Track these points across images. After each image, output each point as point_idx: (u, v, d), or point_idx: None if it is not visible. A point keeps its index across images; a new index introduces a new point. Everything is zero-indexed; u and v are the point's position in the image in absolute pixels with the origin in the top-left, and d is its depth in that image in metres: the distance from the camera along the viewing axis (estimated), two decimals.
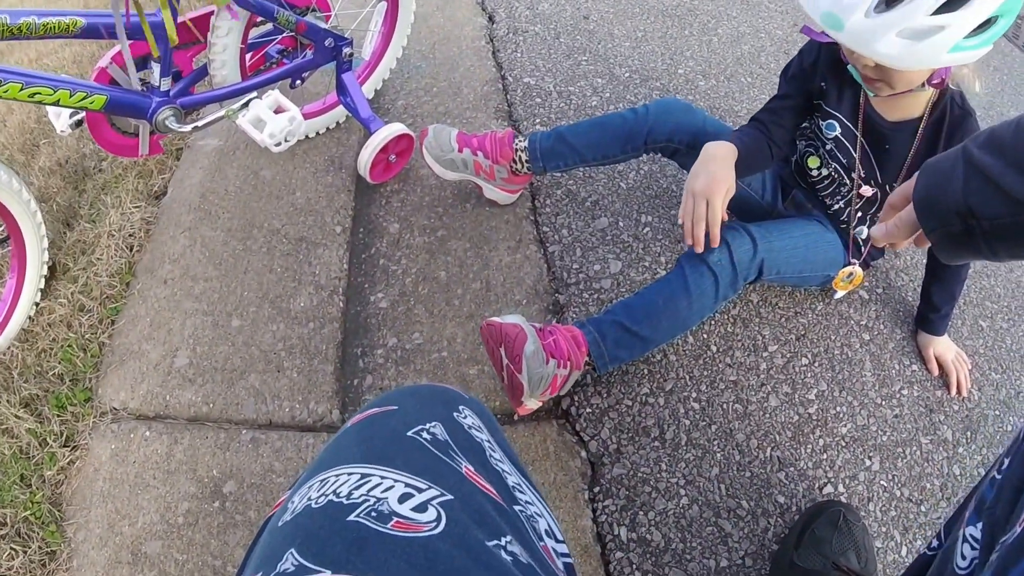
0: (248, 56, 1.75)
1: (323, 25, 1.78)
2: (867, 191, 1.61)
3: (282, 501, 0.64)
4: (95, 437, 1.49)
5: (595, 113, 2.27)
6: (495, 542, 0.57)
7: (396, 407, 0.70)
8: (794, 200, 1.78)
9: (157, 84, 1.57)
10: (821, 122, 1.61)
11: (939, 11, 1.21)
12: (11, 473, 1.42)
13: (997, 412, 1.70)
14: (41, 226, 1.58)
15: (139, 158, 1.77)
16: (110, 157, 2.03)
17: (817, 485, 1.52)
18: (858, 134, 1.56)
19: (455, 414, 0.73)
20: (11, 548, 1.33)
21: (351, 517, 0.55)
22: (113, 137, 1.66)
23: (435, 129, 1.83)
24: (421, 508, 0.57)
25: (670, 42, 2.62)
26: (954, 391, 1.70)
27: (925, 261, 1.74)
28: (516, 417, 1.56)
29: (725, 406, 1.62)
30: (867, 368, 1.71)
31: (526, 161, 1.81)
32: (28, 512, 1.38)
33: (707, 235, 1.50)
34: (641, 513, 1.45)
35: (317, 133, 2.10)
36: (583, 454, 1.53)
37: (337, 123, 2.13)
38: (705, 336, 1.73)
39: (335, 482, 0.59)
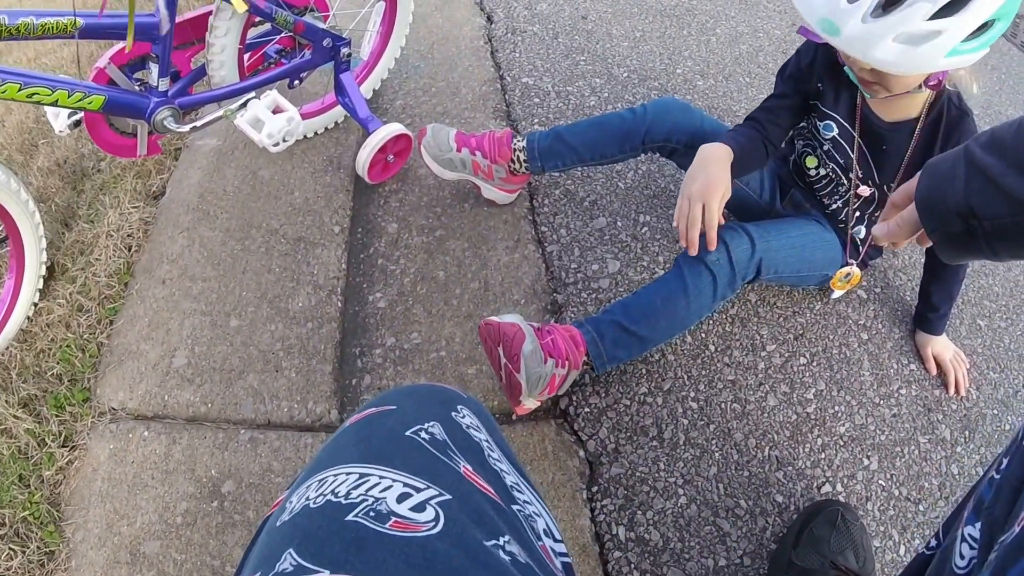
0: (246, 56, 1.75)
1: (321, 25, 1.78)
2: (865, 191, 1.62)
3: (280, 501, 0.64)
4: (93, 437, 1.49)
5: (593, 113, 2.27)
6: (493, 542, 0.57)
7: (394, 407, 0.70)
8: (792, 200, 1.78)
9: (155, 84, 1.57)
10: (819, 123, 1.62)
11: (936, 16, 1.21)
12: (10, 473, 1.42)
13: (995, 411, 1.70)
14: (39, 226, 1.58)
15: (137, 158, 1.77)
16: (108, 157, 2.03)
17: (815, 484, 1.52)
18: (855, 135, 1.56)
19: (453, 414, 0.73)
20: (9, 548, 1.33)
21: (349, 517, 0.55)
22: (111, 137, 1.65)
23: (433, 128, 1.84)
24: (419, 508, 0.57)
25: (668, 42, 2.62)
26: (952, 390, 1.70)
27: (923, 260, 1.74)
28: (514, 417, 1.56)
29: (723, 405, 1.62)
30: (865, 367, 1.72)
31: (524, 161, 1.81)
32: (27, 512, 1.38)
33: (703, 237, 1.50)
34: (639, 512, 1.46)
35: (315, 133, 2.10)
36: (581, 454, 1.53)
37: (335, 123, 2.13)
38: (703, 335, 1.73)
39: (333, 482, 0.59)
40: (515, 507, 0.67)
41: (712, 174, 1.47)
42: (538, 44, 2.55)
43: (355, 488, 0.58)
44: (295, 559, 0.52)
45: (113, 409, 1.53)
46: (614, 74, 2.44)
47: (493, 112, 2.26)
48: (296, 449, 1.49)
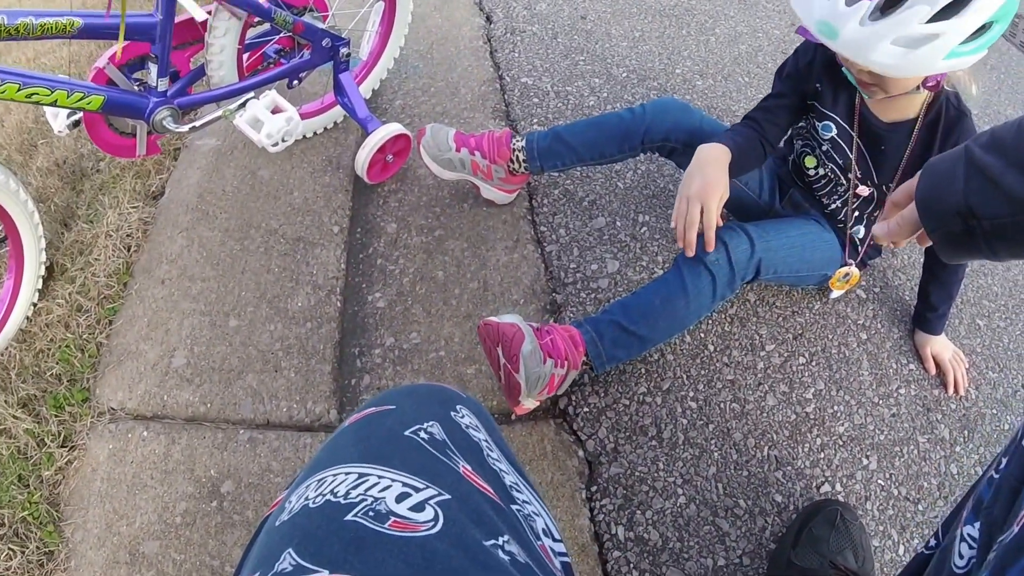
0: (245, 56, 1.75)
1: (320, 25, 1.78)
2: (863, 191, 1.62)
3: (279, 501, 0.64)
4: (93, 437, 1.49)
5: (592, 113, 2.27)
6: (492, 541, 0.57)
7: (393, 407, 0.70)
8: (791, 199, 1.78)
9: (154, 84, 1.57)
10: (817, 123, 1.62)
11: (934, 19, 1.21)
12: (9, 473, 1.42)
13: (994, 411, 1.70)
14: (39, 226, 1.58)
15: (136, 158, 1.77)
16: (108, 157, 2.03)
17: (814, 484, 1.53)
18: (854, 135, 1.56)
19: (452, 413, 0.73)
20: (9, 548, 1.33)
21: (349, 517, 0.55)
22: (111, 137, 1.65)
23: (432, 128, 1.84)
24: (418, 508, 0.57)
25: (667, 42, 2.62)
26: (951, 390, 1.70)
27: (922, 260, 1.74)
28: (513, 417, 1.56)
29: (722, 405, 1.62)
30: (864, 367, 1.72)
31: (523, 161, 1.81)
32: (26, 512, 1.38)
33: (701, 238, 1.50)
34: (638, 512, 1.46)
35: (315, 133, 2.10)
36: (580, 453, 1.53)
37: (335, 123, 2.13)
38: (702, 335, 1.73)
39: (332, 482, 0.59)
40: (514, 507, 0.67)
41: (710, 175, 1.47)
42: (537, 44, 2.55)
43: (354, 488, 0.58)
44: (294, 559, 0.52)
45: (112, 409, 1.53)
46: (613, 74, 2.44)
47: (492, 112, 2.27)
48: (295, 449, 1.49)
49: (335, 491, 0.58)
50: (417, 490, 0.59)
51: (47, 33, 1.33)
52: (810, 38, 1.38)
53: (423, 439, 0.66)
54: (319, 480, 0.60)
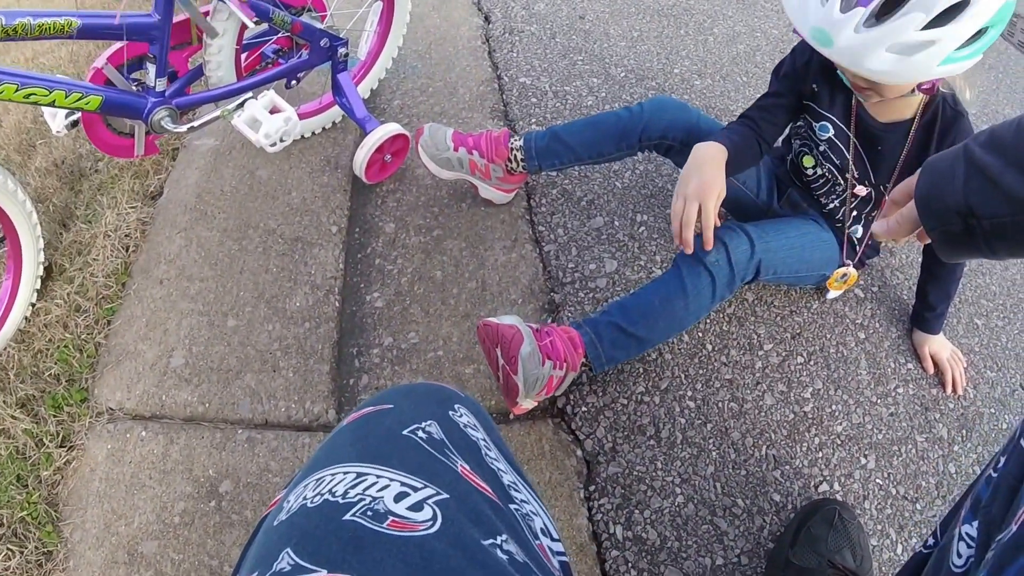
0: (244, 56, 1.75)
1: (319, 25, 1.78)
2: (861, 191, 1.62)
3: (277, 500, 0.64)
4: (91, 437, 1.49)
5: (591, 113, 2.27)
6: (491, 541, 0.57)
7: (391, 406, 0.70)
8: (789, 199, 1.78)
9: (153, 84, 1.57)
10: (814, 124, 1.62)
11: (930, 26, 1.21)
12: (8, 474, 1.42)
13: (992, 410, 1.70)
14: (37, 227, 1.58)
15: (135, 158, 1.77)
16: (106, 158, 2.03)
17: (813, 483, 1.53)
18: (851, 135, 1.56)
19: (450, 413, 0.73)
20: (7, 548, 1.33)
21: (347, 516, 0.55)
22: (109, 137, 1.65)
23: (431, 128, 1.84)
24: (417, 507, 0.57)
25: (666, 42, 2.62)
26: (949, 389, 1.70)
27: (920, 260, 1.74)
28: (512, 416, 1.56)
29: (721, 404, 1.62)
30: (862, 366, 1.72)
31: (521, 160, 1.81)
32: (25, 512, 1.38)
33: (699, 238, 1.50)
34: (637, 512, 1.46)
35: (313, 133, 2.10)
36: (579, 453, 1.53)
37: (333, 123, 2.13)
38: (700, 335, 1.73)
39: (331, 481, 0.59)
40: (512, 506, 0.67)
41: (707, 174, 1.47)
42: (536, 44, 2.56)
43: (352, 487, 0.58)
44: (292, 558, 0.52)
45: (111, 409, 1.53)
46: (611, 74, 2.44)
47: (490, 112, 2.27)
48: (294, 449, 1.49)
49: (333, 491, 0.58)
50: (415, 489, 0.59)
51: (45, 33, 1.33)
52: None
53: (421, 438, 0.66)
54: (317, 480, 0.60)
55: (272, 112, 1.68)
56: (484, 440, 0.73)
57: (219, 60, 1.66)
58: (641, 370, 1.65)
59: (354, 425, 0.68)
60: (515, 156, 1.81)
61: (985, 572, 0.69)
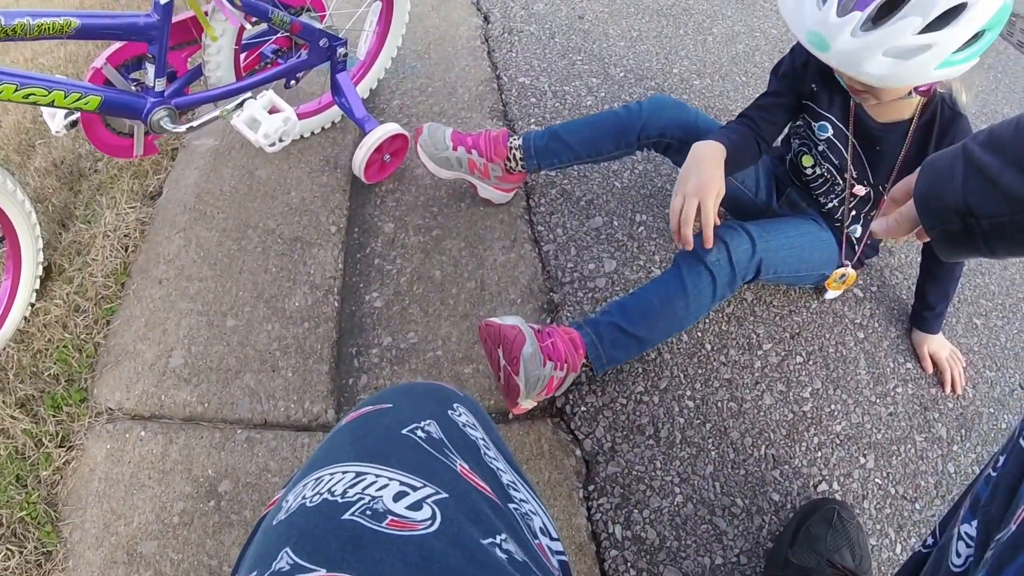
0: (243, 56, 1.75)
1: (318, 25, 1.78)
2: (860, 191, 1.62)
3: (276, 500, 0.64)
4: (90, 437, 1.49)
5: (590, 113, 2.26)
6: (490, 540, 0.57)
7: (390, 405, 0.70)
8: (788, 199, 1.78)
9: (152, 85, 1.57)
10: (814, 123, 1.62)
11: (927, 29, 1.21)
12: (7, 474, 1.42)
13: (992, 410, 1.70)
14: (36, 227, 1.58)
15: (134, 159, 1.77)
16: (105, 158, 2.03)
17: (812, 483, 1.53)
18: (849, 135, 1.56)
19: (449, 412, 0.73)
20: (7, 549, 1.33)
21: (346, 516, 0.55)
22: (108, 138, 1.65)
23: (430, 127, 1.84)
24: (416, 506, 0.57)
25: (665, 41, 2.62)
26: (948, 389, 1.70)
27: (919, 259, 1.74)
28: (511, 416, 1.56)
29: (719, 404, 1.62)
30: (861, 366, 1.72)
31: (520, 159, 1.81)
32: (24, 512, 1.38)
33: (698, 237, 1.50)
34: (636, 511, 1.46)
35: (312, 133, 2.10)
36: (578, 452, 1.53)
37: (332, 123, 2.13)
38: (699, 334, 1.73)
39: (329, 481, 0.59)
40: (511, 505, 0.67)
41: (706, 172, 1.47)
42: (535, 44, 2.56)
43: (351, 487, 0.58)
44: (291, 558, 0.52)
45: (110, 409, 1.53)
46: (611, 74, 2.44)
47: (489, 112, 2.27)
48: (293, 449, 1.49)
49: (332, 490, 0.58)
50: (414, 489, 0.59)
51: (44, 34, 1.33)
52: None
53: (420, 438, 0.66)
54: (316, 479, 0.60)
55: (271, 112, 1.68)
56: (483, 439, 0.73)
57: (218, 60, 1.66)
58: (640, 370, 1.65)
59: (353, 424, 0.68)
60: (514, 155, 1.81)
61: (984, 571, 0.70)
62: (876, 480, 1.54)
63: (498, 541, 0.58)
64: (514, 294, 1.77)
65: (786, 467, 1.54)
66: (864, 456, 1.57)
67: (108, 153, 1.68)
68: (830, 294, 1.80)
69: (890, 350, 1.76)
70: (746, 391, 1.64)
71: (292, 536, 0.54)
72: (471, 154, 1.81)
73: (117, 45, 1.55)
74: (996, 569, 0.67)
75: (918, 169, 0.83)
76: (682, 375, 1.66)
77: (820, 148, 1.63)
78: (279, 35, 1.80)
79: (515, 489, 0.71)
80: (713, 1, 2.89)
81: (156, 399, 1.54)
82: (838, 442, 1.59)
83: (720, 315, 1.77)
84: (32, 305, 1.65)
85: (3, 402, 1.51)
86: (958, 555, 0.82)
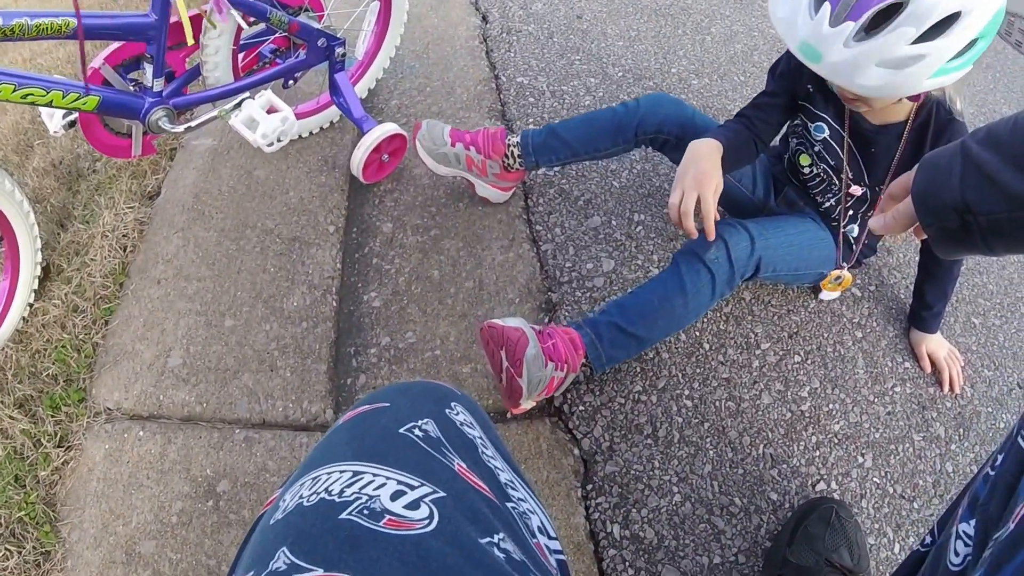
0: (241, 56, 1.75)
1: (316, 25, 1.78)
2: (857, 190, 1.62)
3: (273, 499, 0.64)
4: (89, 437, 1.49)
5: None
6: (488, 539, 0.57)
7: (387, 404, 0.70)
8: (786, 197, 1.78)
9: (150, 85, 1.57)
10: (810, 124, 1.62)
11: (920, 39, 1.20)
12: (5, 474, 1.42)
13: (990, 409, 1.70)
14: (35, 227, 1.58)
15: (132, 159, 1.77)
16: (104, 158, 2.03)
17: (810, 482, 1.53)
18: (845, 136, 1.56)
19: (447, 411, 0.73)
20: (5, 548, 1.33)
21: (343, 515, 0.55)
22: (106, 138, 1.65)
23: (429, 123, 1.84)
24: (413, 505, 0.57)
25: (663, 41, 2.62)
26: (947, 388, 1.71)
27: (918, 259, 1.74)
28: (509, 416, 1.57)
29: (718, 403, 1.62)
30: (860, 365, 1.72)
31: (518, 156, 1.81)
32: (22, 512, 1.38)
33: (701, 232, 1.50)
34: (634, 510, 1.46)
35: (310, 133, 2.10)
36: (576, 452, 1.53)
37: (331, 123, 2.13)
38: (697, 334, 1.73)
39: (327, 480, 0.59)
40: (509, 504, 0.67)
41: (703, 167, 1.47)
42: (533, 44, 2.56)
43: (349, 486, 0.58)
44: (289, 557, 0.52)
45: (108, 409, 1.53)
46: (609, 73, 2.44)
47: (488, 112, 2.27)
48: (291, 448, 1.49)
49: (329, 489, 0.57)
50: (412, 488, 0.59)
51: (43, 34, 1.33)
52: None
53: (418, 436, 0.66)
54: (313, 478, 0.60)
55: (269, 112, 1.68)
56: (481, 438, 0.73)
57: (216, 60, 1.66)
58: (638, 369, 1.65)
59: (350, 424, 0.68)
60: (512, 152, 1.81)
61: (983, 570, 0.70)
62: (874, 479, 1.55)
63: (496, 540, 0.58)
64: (512, 294, 1.77)
65: (784, 466, 1.54)
66: (862, 455, 1.58)
67: (106, 153, 1.68)
68: (825, 295, 1.80)
69: (888, 349, 1.76)
70: (744, 390, 1.65)
71: (289, 536, 0.54)
72: (469, 150, 1.81)
73: (115, 45, 1.55)
74: (994, 568, 0.67)
75: (916, 166, 0.83)
76: (680, 374, 1.66)
77: (816, 149, 1.63)
78: (277, 35, 1.80)
79: (513, 488, 0.71)
80: (711, 1, 2.89)
81: (154, 399, 1.54)
82: (836, 441, 1.59)
83: (718, 314, 1.77)
84: (31, 305, 1.65)
85: (2, 402, 1.51)
86: (956, 554, 0.82)
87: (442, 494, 0.59)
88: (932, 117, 1.47)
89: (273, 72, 1.79)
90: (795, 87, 1.61)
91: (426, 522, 0.56)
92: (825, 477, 1.54)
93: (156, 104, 1.58)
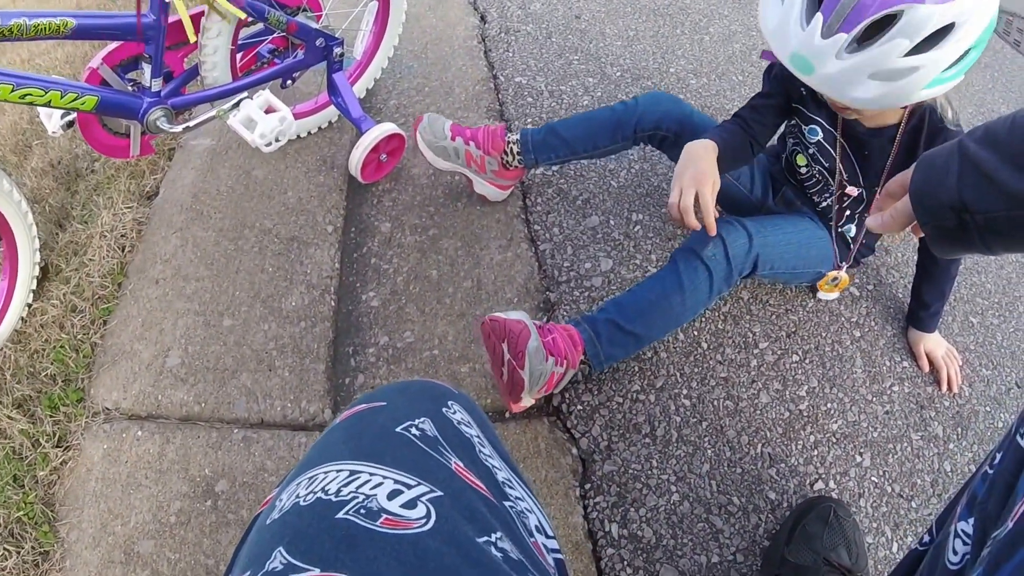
0: (239, 56, 1.75)
1: (314, 25, 1.78)
2: (853, 191, 1.62)
3: (270, 499, 0.64)
4: (87, 437, 1.49)
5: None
6: (485, 538, 0.57)
7: (384, 403, 0.70)
8: (784, 197, 1.79)
9: (148, 85, 1.57)
10: (804, 126, 1.62)
11: (913, 52, 1.19)
12: (4, 474, 1.42)
13: (988, 408, 1.70)
14: (33, 227, 1.58)
15: (131, 159, 1.77)
16: (102, 158, 2.03)
17: (808, 481, 1.53)
18: (838, 137, 1.57)
19: (444, 409, 0.73)
20: (4, 549, 1.33)
21: (340, 514, 0.54)
22: (104, 138, 1.65)
23: (430, 116, 1.84)
24: (410, 505, 0.57)
25: (662, 41, 2.63)
26: (944, 387, 1.71)
27: (916, 258, 1.74)
28: (508, 415, 1.57)
29: (716, 403, 1.62)
30: (858, 365, 1.72)
31: (517, 153, 1.81)
32: (21, 512, 1.38)
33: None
34: (632, 510, 1.46)
35: (309, 133, 2.10)
36: (574, 451, 1.54)
37: (329, 123, 2.13)
38: (696, 333, 1.73)
39: (323, 479, 0.59)
40: (507, 503, 0.67)
41: (700, 165, 1.48)
42: (531, 43, 2.56)
43: (345, 485, 0.57)
44: (285, 557, 0.52)
45: (107, 409, 1.53)
46: (607, 73, 2.44)
47: (486, 111, 2.27)
48: (290, 448, 1.49)
49: (326, 489, 0.57)
50: (409, 487, 0.59)
51: (41, 34, 1.33)
52: (775, 61, 1.37)
53: (414, 435, 0.65)
54: (310, 478, 0.60)
55: (267, 112, 1.68)
56: (478, 437, 0.73)
57: (215, 60, 1.66)
58: (636, 368, 1.66)
59: (347, 423, 0.68)
60: (511, 149, 1.81)
61: (981, 569, 0.69)
62: (872, 478, 1.55)
63: (493, 539, 0.58)
64: (510, 293, 1.77)
65: (782, 465, 1.54)
66: (860, 454, 1.58)
67: (105, 153, 1.68)
68: (822, 295, 1.80)
69: (886, 348, 1.76)
70: (742, 389, 1.65)
71: (286, 535, 0.54)
72: (469, 146, 1.81)
73: (113, 45, 1.55)
74: (993, 566, 0.67)
75: (914, 165, 0.83)
76: (678, 374, 1.66)
77: (811, 150, 1.64)
78: (275, 35, 1.80)
79: (510, 487, 0.70)
80: (710, 1, 2.89)
81: (153, 399, 1.54)
82: (834, 440, 1.59)
83: (716, 314, 1.77)
84: (29, 305, 1.65)
85: (0, 403, 1.51)
86: (955, 552, 0.82)
87: (439, 493, 0.59)
88: (925, 120, 1.46)
89: (271, 72, 1.79)
90: (789, 89, 1.61)
91: (423, 521, 0.55)
92: (823, 476, 1.54)
93: (154, 104, 1.58)
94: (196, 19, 1.63)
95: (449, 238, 1.90)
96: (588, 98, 2.33)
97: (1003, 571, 0.66)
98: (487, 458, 0.71)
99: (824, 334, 1.77)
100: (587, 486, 1.49)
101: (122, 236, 1.83)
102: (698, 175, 1.46)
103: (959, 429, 1.65)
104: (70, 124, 1.62)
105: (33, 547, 1.35)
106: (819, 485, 1.53)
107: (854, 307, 1.83)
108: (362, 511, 0.55)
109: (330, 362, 1.64)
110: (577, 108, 2.29)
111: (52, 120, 1.62)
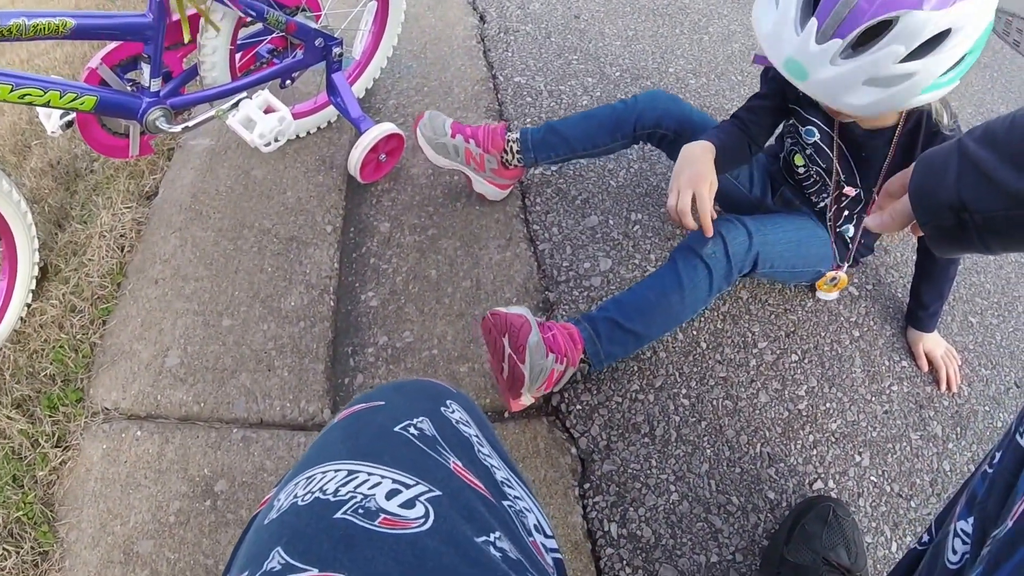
0: (238, 56, 1.75)
1: (313, 25, 1.78)
2: (851, 191, 1.62)
3: (268, 499, 0.64)
4: (87, 437, 1.49)
5: None
6: (484, 538, 0.57)
7: (383, 402, 0.70)
8: (783, 196, 1.79)
9: (147, 85, 1.57)
10: (801, 127, 1.62)
11: (909, 58, 1.19)
12: (3, 474, 1.42)
13: (987, 408, 1.70)
14: (32, 227, 1.58)
15: (130, 159, 1.77)
16: (101, 158, 2.03)
17: (807, 481, 1.53)
18: (835, 138, 1.57)
19: (442, 409, 0.73)
20: (3, 549, 1.33)
21: (338, 514, 0.54)
22: (104, 138, 1.65)
23: (431, 113, 1.84)
24: (409, 504, 0.57)
25: (661, 41, 2.63)
26: (944, 387, 1.71)
27: (915, 258, 1.74)
28: (507, 414, 1.57)
29: (715, 402, 1.62)
30: (857, 364, 1.72)
31: (517, 152, 1.81)
32: (20, 512, 1.38)
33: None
34: (631, 509, 1.46)
35: (308, 133, 2.10)
36: (573, 451, 1.54)
37: (328, 122, 2.13)
38: (695, 333, 1.73)
39: (321, 479, 0.59)
40: (506, 503, 0.67)
41: (697, 166, 1.49)
42: (531, 43, 2.56)
43: (343, 485, 0.57)
44: (283, 557, 0.51)
45: (106, 409, 1.53)
46: (606, 73, 2.44)
47: (486, 111, 2.27)
48: (289, 448, 1.49)
49: (324, 488, 0.57)
50: (407, 487, 0.58)
51: (40, 34, 1.33)
52: (768, 65, 1.37)
53: (413, 435, 0.65)
54: (308, 477, 0.60)
55: (266, 112, 1.68)
56: (477, 436, 0.73)
57: (214, 60, 1.66)
58: (635, 368, 1.66)
59: (345, 422, 0.68)
60: (511, 148, 1.81)
61: (981, 568, 0.69)
62: (871, 478, 1.55)
63: (492, 539, 0.58)
64: (510, 293, 1.77)
65: (781, 465, 1.54)
66: (859, 454, 1.58)
67: (104, 153, 1.68)
68: (821, 295, 1.80)
69: (885, 348, 1.76)
70: (741, 389, 1.65)
71: (284, 535, 0.54)
72: (469, 143, 1.81)
73: (112, 45, 1.55)
74: (993, 566, 0.67)
75: (913, 164, 0.83)
76: (677, 373, 1.66)
77: (808, 151, 1.64)
78: (275, 35, 1.80)
79: (509, 486, 0.70)
80: (709, 0, 2.89)
81: (152, 399, 1.54)
82: (833, 440, 1.59)
83: (715, 313, 1.77)
84: (28, 305, 1.65)
85: (0, 403, 1.52)
86: (954, 552, 0.82)
87: (438, 493, 0.59)
88: (922, 122, 1.46)
89: (270, 72, 1.79)
90: (786, 90, 1.61)
91: (421, 521, 0.55)
92: (822, 476, 1.54)
93: (153, 104, 1.58)
94: (195, 20, 1.63)
95: (448, 238, 1.90)
96: (587, 98, 2.33)
97: (1003, 570, 0.66)
98: (486, 457, 0.71)
99: (823, 334, 1.77)
100: (586, 486, 1.49)
101: (121, 236, 1.83)
102: (695, 176, 1.47)
103: (958, 429, 1.65)
104: (69, 124, 1.62)
105: (32, 547, 1.35)
106: (818, 484, 1.53)
107: (853, 307, 1.83)
108: (360, 511, 0.55)
109: (329, 362, 1.64)
110: (576, 108, 2.29)
111: (51, 120, 1.61)
